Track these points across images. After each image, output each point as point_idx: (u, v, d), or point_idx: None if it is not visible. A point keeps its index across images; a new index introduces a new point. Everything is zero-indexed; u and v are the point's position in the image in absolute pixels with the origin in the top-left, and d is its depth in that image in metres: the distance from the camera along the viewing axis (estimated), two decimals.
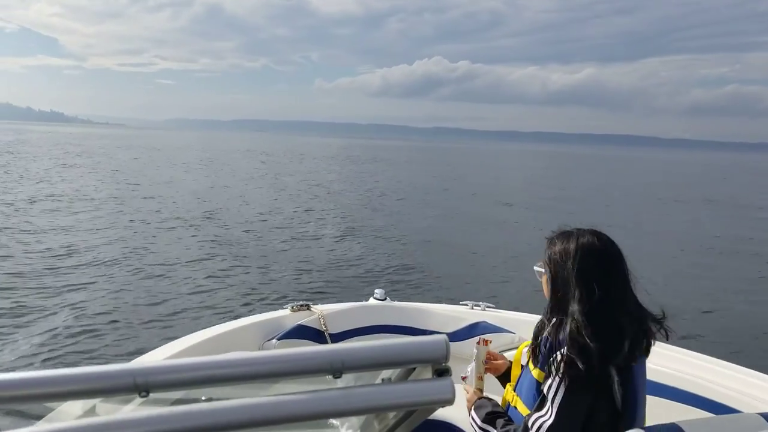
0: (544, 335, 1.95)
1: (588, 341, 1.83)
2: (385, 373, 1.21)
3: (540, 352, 1.95)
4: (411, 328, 3.94)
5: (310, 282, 10.37)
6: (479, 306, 3.94)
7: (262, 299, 9.08)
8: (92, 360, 6.66)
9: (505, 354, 2.85)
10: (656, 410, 2.10)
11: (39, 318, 7.59)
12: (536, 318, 3.42)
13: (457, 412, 2.42)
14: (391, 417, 1.30)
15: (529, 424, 1.91)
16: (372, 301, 4.12)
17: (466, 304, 3.98)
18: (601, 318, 1.89)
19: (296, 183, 30.28)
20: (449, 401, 1.07)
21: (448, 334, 3.55)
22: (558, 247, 2.01)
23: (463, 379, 2.37)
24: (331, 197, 24.18)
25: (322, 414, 1.05)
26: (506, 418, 2.13)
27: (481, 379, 2.37)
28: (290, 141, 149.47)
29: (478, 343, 2.43)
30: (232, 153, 64.04)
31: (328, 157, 64.21)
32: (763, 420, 2.00)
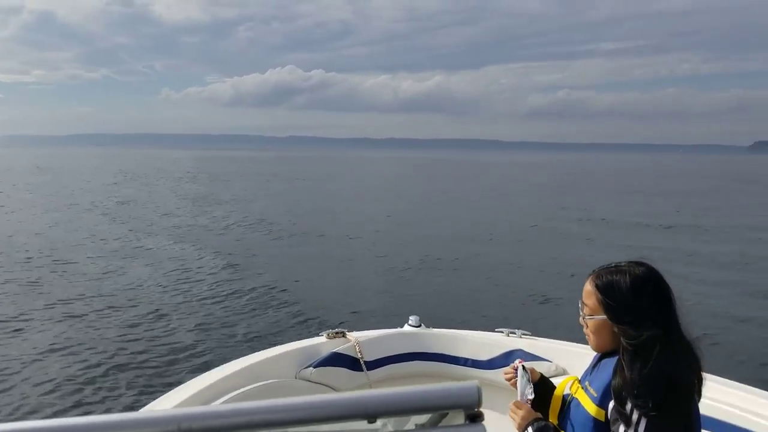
0: (626, 376, 1.88)
1: (675, 377, 1.84)
2: (417, 417, 1.22)
3: (625, 395, 1.87)
4: (446, 355, 3.84)
5: (345, 308, 10.58)
6: (515, 333, 3.82)
7: (298, 326, 9.32)
8: (134, 391, 6.81)
9: None
10: None
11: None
12: (573, 346, 3.56)
13: None
14: None
15: None
16: (407, 327, 4.03)
17: (502, 331, 3.87)
18: (678, 350, 1.89)
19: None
20: None
21: (483, 361, 3.74)
22: (619, 290, 1.96)
23: (517, 407, 2.24)
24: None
25: None
26: None
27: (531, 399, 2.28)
28: (135, 155, 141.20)
29: (520, 364, 2.38)
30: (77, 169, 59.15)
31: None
32: None
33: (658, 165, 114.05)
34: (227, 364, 3.26)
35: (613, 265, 2.03)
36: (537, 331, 3.85)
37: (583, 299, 2.08)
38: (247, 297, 11.16)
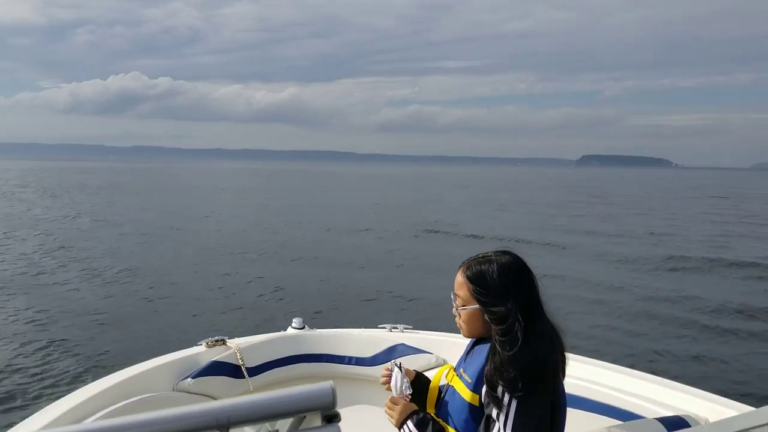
0: (497, 360, 1.94)
1: (541, 357, 1.92)
2: (281, 423, 1.22)
3: (495, 379, 1.92)
4: (330, 355, 3.85)
5: (225, 315, 9.99)
6: (397, 328, 3.90)
7: (175, 337, 8.60)
8: None
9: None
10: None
11: None
12: (453, 337, 3.62)
13: None
14: None
15: None
16: (290, 330, 3.99)
17: (385, 327, 3.94)
18: (543, 331, 1.98)
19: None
20: None
21: (367, 358, 3.80)
22: (488, 278, 2.02)
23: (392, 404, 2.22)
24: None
25: None
26: None
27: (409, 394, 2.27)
28: None
29: (394, 364, 2.35)
30: None
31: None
32: (661, 425, 2.23)
33: (504, 175, 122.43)
34: (100, 380, 3.08)
35: (481, 255, 2.11)
36: (418, 325, 3.91)
37: (455, 291, 2.14)
38: (114, 310, 10.51)
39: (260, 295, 11.88)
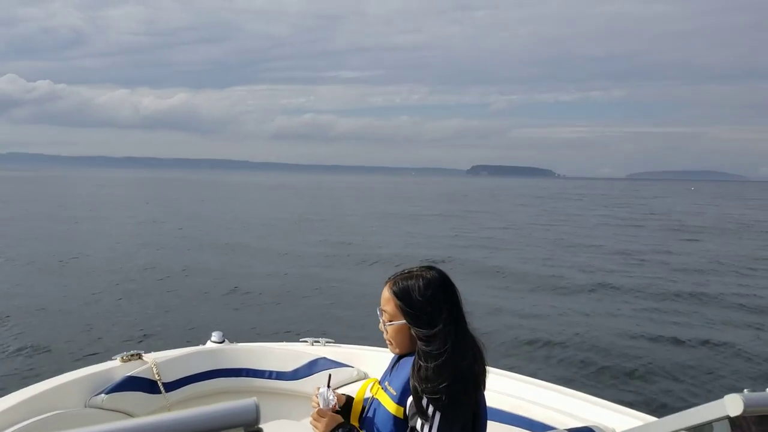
0: (422, 373, 1.98)
1: (464, 369, 1.98)
2: None
3: (420, 391, 1.97)
4: (250, 369, 3.77)
5: (142, 329, 9.67)
6: (319, 342, 3.88)
7: (89, 351, 8.03)
8: None
9: (346, 389, 2.89)
10: None
11: None
12: (375, 350, 3.66)
13: None
14: None
15: None
16: (209, 344, 3.88)
17: (306, 341, 3.91)
18: (466, 344, 2.04)
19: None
20: None
21: (288, 372, 3.72)
22: (414, 293, 2.07)
23: (317, 415, 2.24)
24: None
25: None
26: None
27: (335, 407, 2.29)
28: None
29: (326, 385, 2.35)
30: None
31: None
32: None
33: (399, 185, 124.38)
34: (6, 396, 2.95)
35: (406, 271, 2.16)
36: (340, 339, 3.98)
37: (382, 306, 2.17)
38: (21, 323, 9.88)
39: (177, 309, 11.46)
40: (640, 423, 2.49)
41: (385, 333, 2.20)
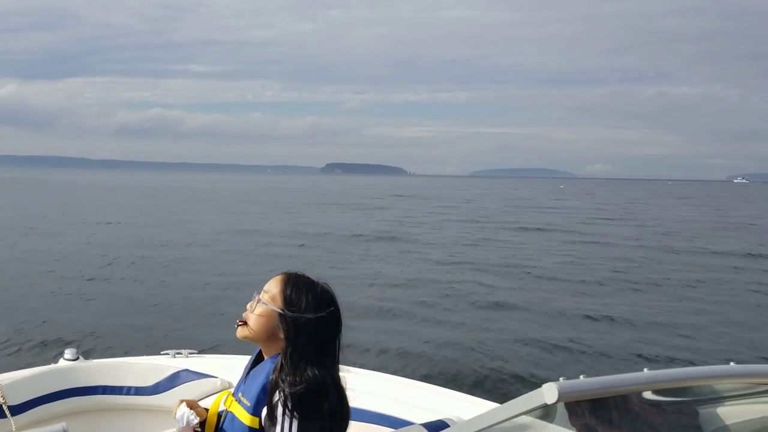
0: (282, 378, 1.98)
1: (321, 377, 1.98)
2: None
3: (277, 399, 1.96)
4: (108, 386, 3.61)
5: None
6: (181, 354, 3.76)
7: None
8: None
9: (209, 400, 2.71)
10: None
11: None
12: (239, 359, 3.47)
13: None
14: None
15: None
16: (62, 362, 3.69)
17: (168, 353, 3.78)
18: (328, 354, 2.06)
19: None
20: None
21: (148, 387, 3.59)
22: (303, 295, 2.07)
23: None
24: None
25: None
26: None
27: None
28: None
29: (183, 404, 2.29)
30: None
31: None
32: (425, 430, 2.35)
33: (253, 183, 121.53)
34: None
35: (304, 275, 2.17)
36: (205, 348, 3.97)
37: (265, 288, 2.16)
38: None
39: (22, 325, 10.29)
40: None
41: (248, 311, 2.17)
